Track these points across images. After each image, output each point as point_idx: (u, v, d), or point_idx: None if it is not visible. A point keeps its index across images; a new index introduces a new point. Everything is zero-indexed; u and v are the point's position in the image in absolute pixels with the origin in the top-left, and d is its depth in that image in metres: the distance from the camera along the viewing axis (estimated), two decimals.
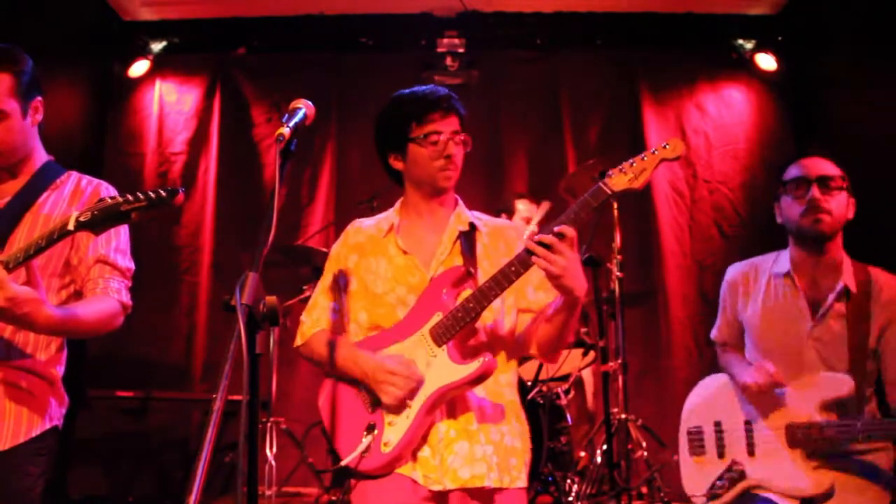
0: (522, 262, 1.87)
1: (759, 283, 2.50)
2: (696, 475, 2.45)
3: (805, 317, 2.36)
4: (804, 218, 2.32)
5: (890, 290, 2.34)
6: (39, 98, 2.08)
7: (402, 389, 1.90)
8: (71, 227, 1.76)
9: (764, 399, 2.36)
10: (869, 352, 2.30)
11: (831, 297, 2.34)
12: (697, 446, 2.48)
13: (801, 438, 2.25)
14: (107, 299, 2.02)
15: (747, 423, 2.39)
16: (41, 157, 2.14)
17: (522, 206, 4.50)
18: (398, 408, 1.92)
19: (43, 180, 2.09)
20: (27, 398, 1.98)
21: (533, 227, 4.38)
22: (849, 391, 2.23)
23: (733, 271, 2.60)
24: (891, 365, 2.30)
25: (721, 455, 2.41)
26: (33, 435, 1.98)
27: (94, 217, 1.74)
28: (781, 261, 2.46)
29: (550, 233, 1.81)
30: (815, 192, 2.31)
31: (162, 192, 1.72)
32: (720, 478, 2.36)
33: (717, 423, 2.45)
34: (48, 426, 2.02)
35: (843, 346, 2.31)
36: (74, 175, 2.16)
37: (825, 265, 2.37)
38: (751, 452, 2.35)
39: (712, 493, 2.36)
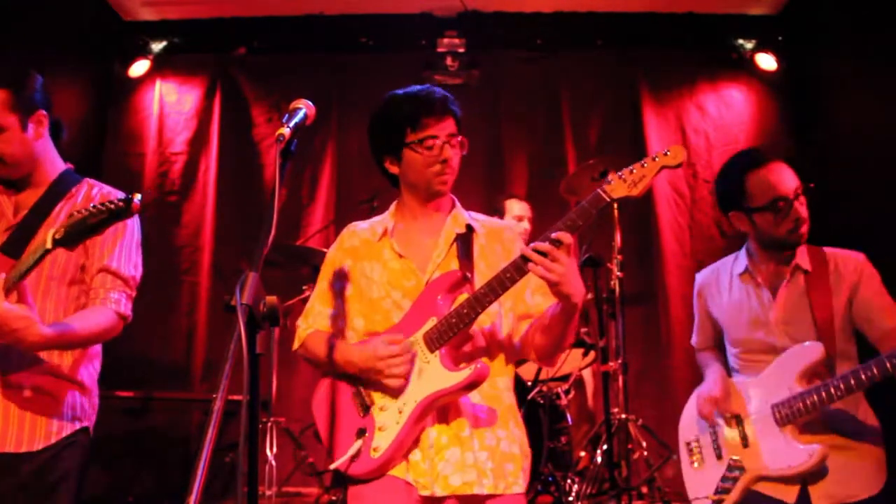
0: (517, 269, 1.84)
1: (721, 284, 2.57)
2: (699, 482, 2.45)
3: (768, 306, 2.42)
4: (792, 235, 2.36)
5: (844, 260, 2.40)
6: (42, 112, 2.13)
7: (400, 373, 1.90)
8: (49, 245, 1.82)
9: (746, 390, 2.41)
10: (834, 317, 2.33)
11: (787, 275, 2.40)
12: (696, 455, 2.50)
13: (788, 413, 2.28)
14: (104, 311, 2.09)
15: (736, 417, 2.41)
16: (56, 167, 2.21)
17: (515, 206, 4.53)
18: (399, 390, 1.91)
19: (58, 191, 2.16)
20: (51, 402, 2.07)
21: (525, 224, 4.39)
22: (820, 355, 2.27)
23: (700, 278, 2.68)
24: (874, 325, 2.33)
25: (719, 456, 2.42)
26: (63, 435, 2.07)
27: (66, 233, 1.81)
28: (739, 261, 2.54)
29: (547, 239, 1.80)
30: (800, 210, 2.35)
31: (120, 202, 1.77)
32: (723, 479, 2.37)
33: (712, 427, 2.47)
34: (77, 427, 2.11)
35: (808, 318, 2.35)
36: (87, 184, 2.22)
37: (783, 256, 2.44)
38: (745, 444, 2.37)
39: (717, 499, 2.36)
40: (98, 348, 2.22)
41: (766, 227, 2.39)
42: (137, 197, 1.79)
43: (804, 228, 2.36)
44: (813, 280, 2.37)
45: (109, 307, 2.10)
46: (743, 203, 2.41)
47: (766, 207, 2.36)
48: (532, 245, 1.80)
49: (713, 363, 2.59)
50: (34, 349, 1.98)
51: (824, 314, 2.33)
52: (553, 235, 1.79)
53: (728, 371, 2.56)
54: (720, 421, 2.44)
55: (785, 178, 2.37)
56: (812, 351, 2.29)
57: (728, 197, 2.47)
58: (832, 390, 2.19)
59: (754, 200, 2.39)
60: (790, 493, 2.26)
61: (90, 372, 2.19)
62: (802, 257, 2.41)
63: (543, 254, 1.78)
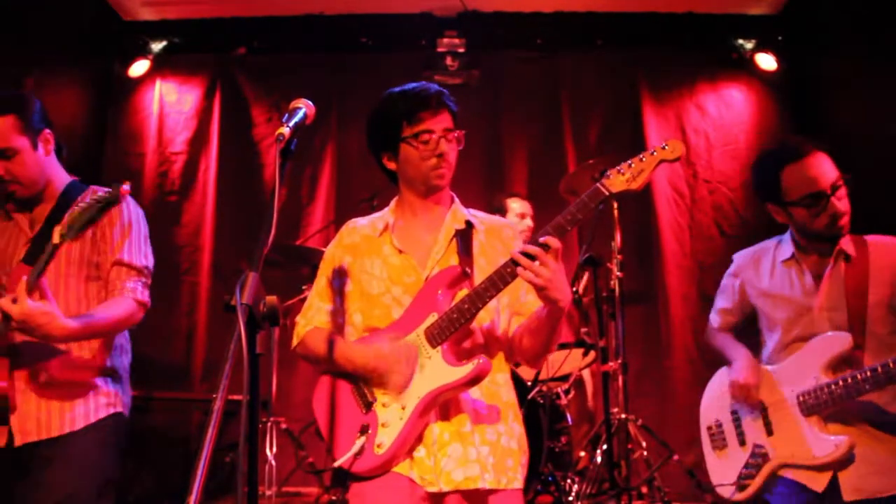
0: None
1: (762, 268, 2.53)
2: (722, 468, 2.46)
3: (812, 293, 2.39)
4: (831, 229, 2.33)
5: (885, 248, 2.38)
6: (48, 130, 2.31)
7: (402, 373, 1.90)
8: (56, 240, 2.01)
9: (771, 378, 2.39)
10: (874, 307, 2.30)
11: (831, 261, 2.37)
12: (719, 440, 2.50)
13: (814, 404, 2.27)
14: (124, 301, 2.28)
15: (761, 403, 2.41)
16: (63, 179, 2.39)
17: (516, 205, 4.52)
18: (402, 390, 1.91)
19: (67, 202, 2.31)
20: (78, 390, 2.23)
21: (528, 221, 4.39)
22: (846, 345, 2.25)
23: (738, 259, 2.63)
24: None
25: (742, 443, 2.42)
26: (92, 421, 2.23)
27: (68, 227, 2.01)
28: (784, 247, 2.50)
29: (536, 243, 1.80)
30: (837, 205, 2.31)
31: (108, 191, 2.03)
32: (746, 465, 2.38)
33: (734, 412, 2.48)
34: (111, 412, 2.28)
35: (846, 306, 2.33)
36: (91, 190, 2.33)
37: (825, 246, 2.41)
38: (769, 432, 2.36)
39: (741, 484, 2.37)
40: (127, 341, 2.41)
41: (803, 221, 2.37)
42: (126, 185, 1.99)
43: (843, 221, 2.32)
44: (852, 268, 2.34)
45: (127, 296, 2.29)
46: (779, 197, 2.39)
47: (802, 203, 2.34)
48: (521, 248, 1.81)
49: (739, 346, 2.55)
50: (61, 341, 2.14)
51: (857, 303, 2.30)
52: (541, 240, 1.80)
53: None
54: (745, 407, 2.43)
55: (824, 171, 2.33)
56: (839, 341, 2.27)
57: (764, 190, 2.45)
58: (860, 382, 2.17)
59: (790, 195, 2.36)
60: (820, 481, 2.24)
61: (122, 361, 2.36)
62: (847, 244, 2.37)
63: (532, 257, 1.78)
